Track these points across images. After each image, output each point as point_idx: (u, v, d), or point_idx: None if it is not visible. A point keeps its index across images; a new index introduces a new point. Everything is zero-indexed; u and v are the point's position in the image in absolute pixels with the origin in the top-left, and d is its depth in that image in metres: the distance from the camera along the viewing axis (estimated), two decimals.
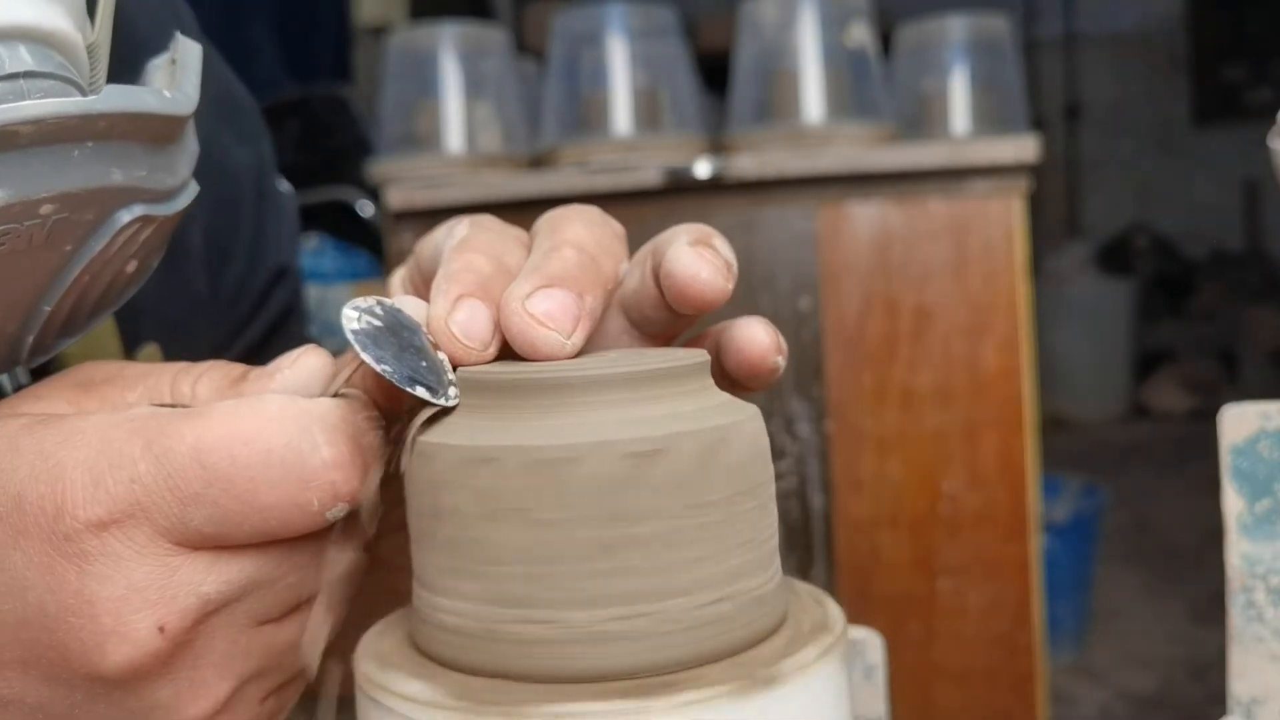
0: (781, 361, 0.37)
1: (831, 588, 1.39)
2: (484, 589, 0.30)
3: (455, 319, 0.33)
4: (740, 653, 0.31)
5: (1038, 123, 1.98)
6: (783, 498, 1.38)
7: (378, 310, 0.33)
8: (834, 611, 0.34)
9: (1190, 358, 5.06)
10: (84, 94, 0.31)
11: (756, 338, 0.37)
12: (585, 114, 1.50)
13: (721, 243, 0.36)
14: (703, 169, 1.39)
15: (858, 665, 0.49)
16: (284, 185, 0.61)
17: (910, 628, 1.40)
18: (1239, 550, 0.43)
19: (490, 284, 0.34)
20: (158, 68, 0.36)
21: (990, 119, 1.53)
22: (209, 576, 0.31)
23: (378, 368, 0.31)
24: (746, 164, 1.39)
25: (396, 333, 0.33)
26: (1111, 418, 4.86)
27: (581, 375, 0.31)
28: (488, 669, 0.30)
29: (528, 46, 2.35)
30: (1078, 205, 5.88)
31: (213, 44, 0.58)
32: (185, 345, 0.51)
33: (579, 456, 0.29)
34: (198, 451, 0.30)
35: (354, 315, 0.32)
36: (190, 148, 0.36)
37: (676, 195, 1.41)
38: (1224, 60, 5.75)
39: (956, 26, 1.55)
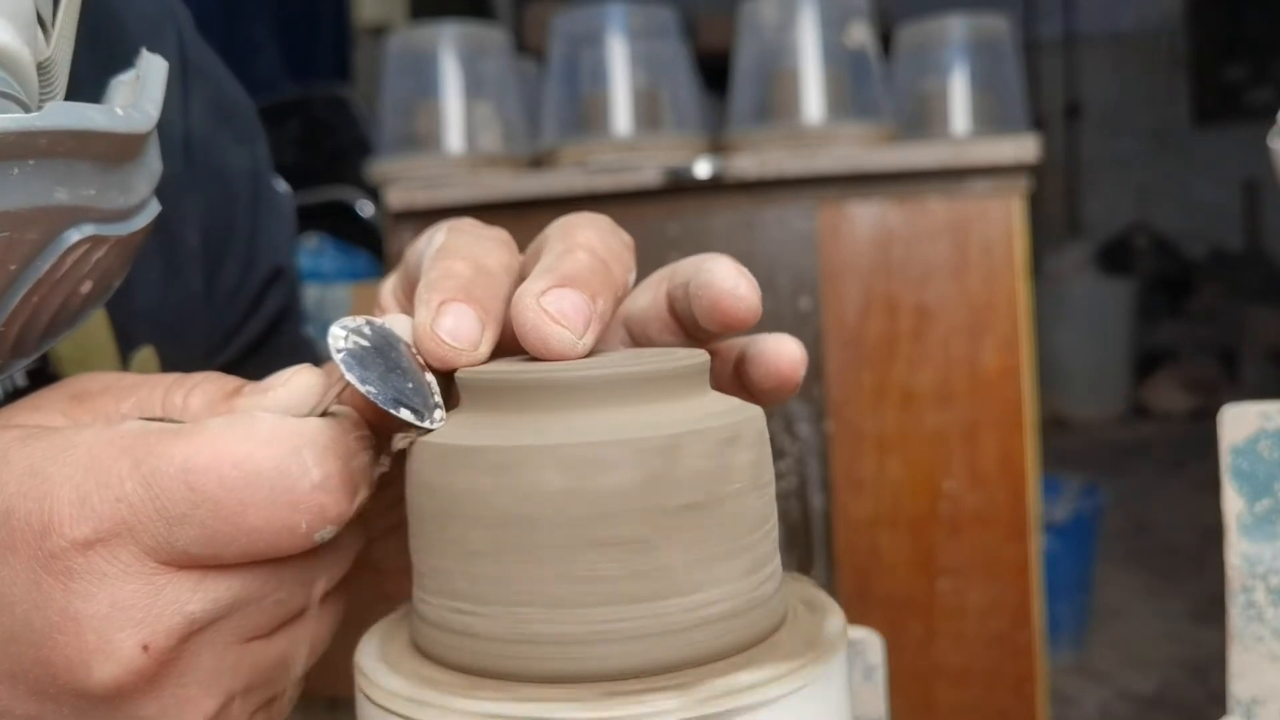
0: (803, 375, 0.38)
1: (831, 588, 1.39)
2: (483, 589, 0.30)
3: (441, 324, 0.33)
4: (740, 653, 0.31)
5: (1038, 123, 1.98)
6: (783, 498, 1.38)
7: (366, 330, 0.32)
8: (834, 612, 0.34)
9: (1190, 358, 5.07)
10: (27, 111, 0.30)
11: (791, 353, 0.37)
12: (585, 114, 1.50)
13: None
14: (703, 169, 1.39)
15: (858, 665, 0.49)
16: (281, 185, 0.61)
17: (910, 628, 1.40)
18: (1239, 550, 0.43)
19: (471, 287, 0.34)
20: (122, 84, 0.35)
21: (990, 119, 1.53)
22: (195, 595, 0.31)
23: (363, 389, 0.31)
24: (746, 164, 1.39)
25: (384, 353, 0.32)
26: (1111, 418, 4.86)
27: (584, 376, 0.31)
28: (487, 669, 0.30)
29: (528, 46, 2.36)
30: (1078, 205, 5.88)
31: (211, 44, 0.58)
32: (181, 346, 0.51)
33: (580, 457, 0.29)
34: (186, 472, 0.30)
35: (341, 335, 0.32)
36: (151, 166, 0.35)
37: (676, 195, 1.41)
38: (1224, 60, 5.75)
39: (956, 26, 1.55)
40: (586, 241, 0.36)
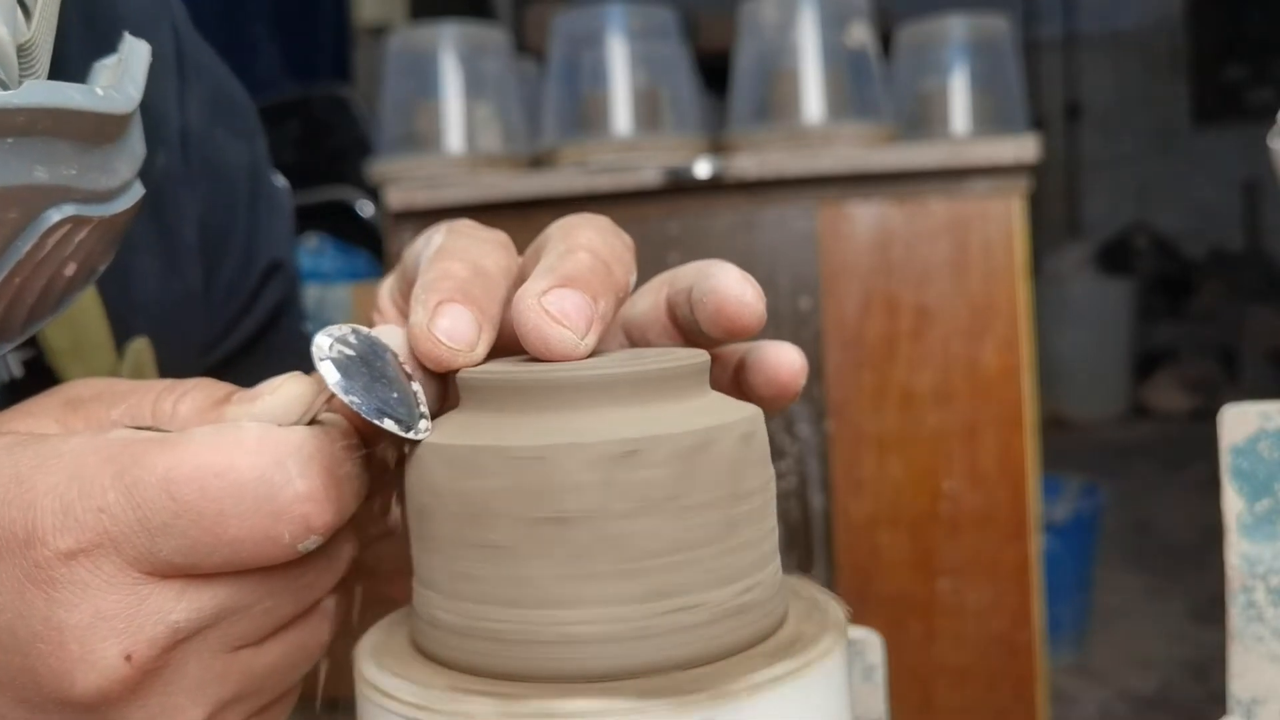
0: (803, 384, 0.38)
1: (831, 588, 1.39)
2: (482, 589, 0.30)
3: (438, 325, 0.33)
4: (740, 653, 0.31)
5: (1038, 123, 1.98)
6: (783, 498, 1.38)
7: (351, 339, 0.32)
8: (834, 612, 0.34)
9: (1190, 358, 5.07)
10: (5, 90, 0.31)
11: (791, 361, 0.37)
12: (585, 114, 1.50)
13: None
14: (703, 169, 1.39)
15: (857, 665, 0.49)
16: (279, 180, 0.61)
17: (910, 628, 1.40)
18: (1239, 550, 0.43)
19: (469, 288, 0.34)
20: (105, 67, 0.35)
21: (990, 119, 1.52)
22: (179, 605, 0.31)
23: (346, 399, 0.31)
24: (746, 164, 1.39)
25: (369, 362, 0.32)
26: (1111, 418, 4.86)
27: (583, 376, 0.31)
28: (487, 669, 0.30)
29: (528, 46, 2.36)
30: (1078, 205, 5.88)
31: (212, 44, 0.58)
32: (178, 340, 0.51)
33: (579, 457, 0.29)
34: (168, 482, 0.30)
35: (326, 344, 0.31)
36: (134, 149, 0.35)
37: (676, 195, 1.41)
38: (1224, 60, 5.75)
39: (956, 26, 1.55)
40: (588, 242, 0.36)
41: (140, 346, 0.49)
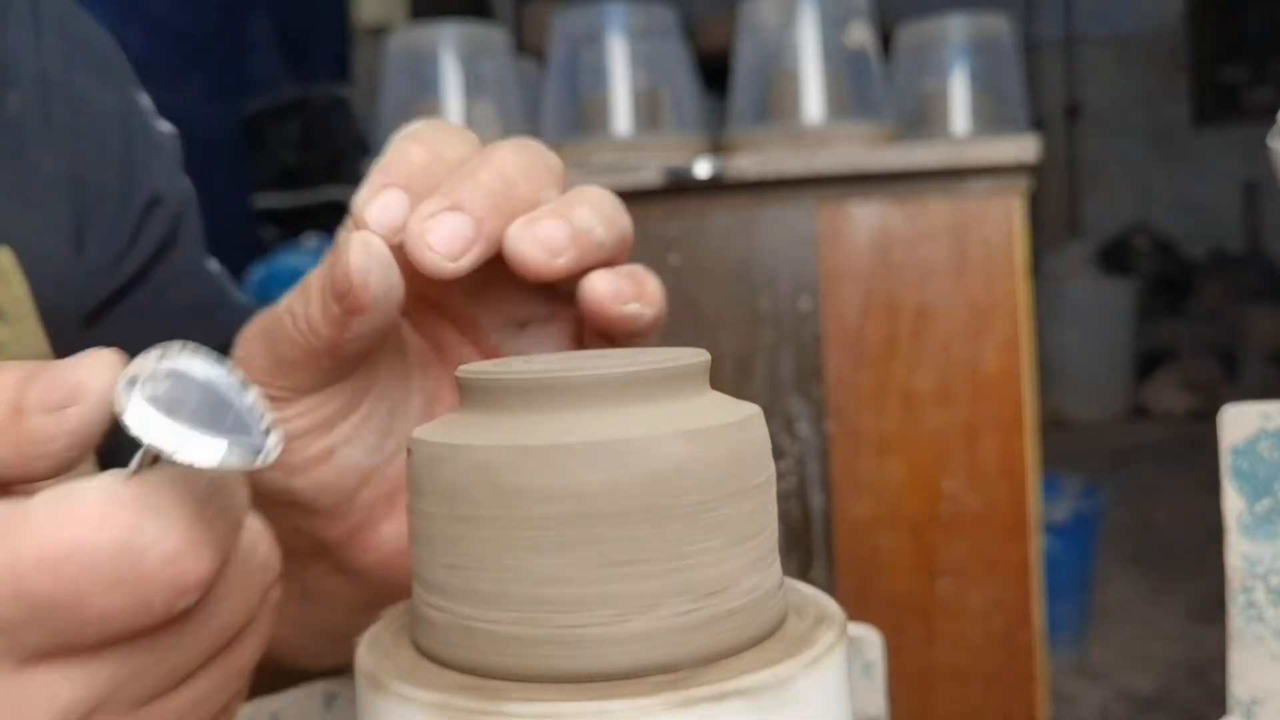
0: (637, 308, 0.37)
1: (831, 588, 1.39)
2: (480, 588, 0.30)
3: (370, 209, 0.34)
4: (738, 653, 0.31)
5: (1038, 123, 1.98)
6: (783, 498, 1.38)
7: (161, 372, 0.27)
8: (834, 612, 0.34)
9: (1190, 358, 5.07)
10: None
11: (594, 288, 0.37)
12: (585, 114, 1.50)
13: (587, 210, 0.36)
14: (703, 169, 1.39)
15: (856, 662, 0.49)
16: (165, 126, 0.63)
17: (910, 628, 1.40)
18: (1239, 550, 0.43)
19: (420, 175, 0.35)
20: None
21: (990, 119, 1.53)
22: (65, 686, 0.28)
23: (168, 454, 0.26)
24: (746, 164, 1.39)
25: (188, 394, 0.27)
26: (1111, 418, 4.87)
27: (579, 375, 0.31)
28: (486, 669, 0.30)
29: (528, 46, 2.36)
30: (1078, 205, 5.88)
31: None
32: (52, 275, 0.52)
33: (574, 457, 0.29)
34: (15, 578, 0.26)
35: (129, 390, 0.26)
36: None
37: (676, 195, 1.41)
38: (1224, 60, 5.76)
39: (956, 26, 1.55)
40: (499, 161, 0.36)
41: (1, 253, 0.49)
